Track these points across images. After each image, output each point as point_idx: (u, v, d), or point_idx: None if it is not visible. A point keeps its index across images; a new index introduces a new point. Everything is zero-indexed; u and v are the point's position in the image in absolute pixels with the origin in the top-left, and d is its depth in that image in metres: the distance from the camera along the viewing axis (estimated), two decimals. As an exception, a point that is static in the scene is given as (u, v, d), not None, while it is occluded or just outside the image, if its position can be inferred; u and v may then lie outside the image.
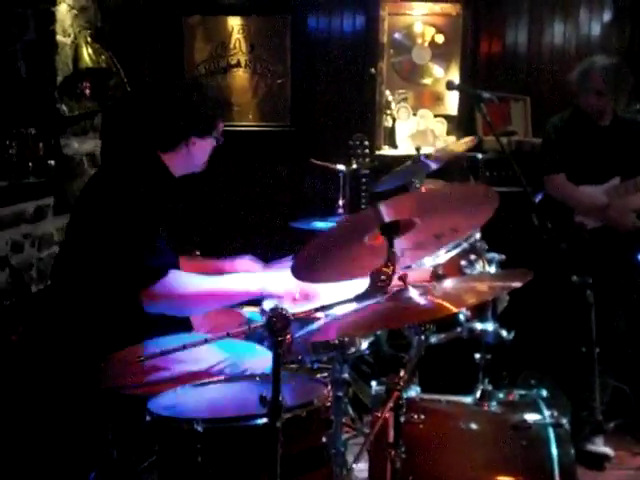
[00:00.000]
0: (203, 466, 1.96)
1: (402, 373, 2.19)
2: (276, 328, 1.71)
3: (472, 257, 2.69)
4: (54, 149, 3.99)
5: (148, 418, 2.07)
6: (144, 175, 2.66)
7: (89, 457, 2.93)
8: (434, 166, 3.55)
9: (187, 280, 2.55)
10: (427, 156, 3.50)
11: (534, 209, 3.77)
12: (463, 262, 2.68)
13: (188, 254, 3.12)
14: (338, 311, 2.11)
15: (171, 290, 2.48)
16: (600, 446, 3.71)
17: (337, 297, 1.92)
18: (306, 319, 2.26)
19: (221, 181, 4.80)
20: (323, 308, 2.07)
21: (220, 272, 2.85)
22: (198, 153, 2.76)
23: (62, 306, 2.70)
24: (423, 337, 2.35)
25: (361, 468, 2.28)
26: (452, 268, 2.66)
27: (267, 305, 2.61)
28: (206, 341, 1.86)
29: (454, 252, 2.70)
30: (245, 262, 3.06)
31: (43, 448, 2.95)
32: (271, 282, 2.55)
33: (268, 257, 3.11)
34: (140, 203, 2.55)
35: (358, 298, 1.95)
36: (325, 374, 2.83)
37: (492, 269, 2.68)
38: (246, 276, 2.71)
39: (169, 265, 2.52)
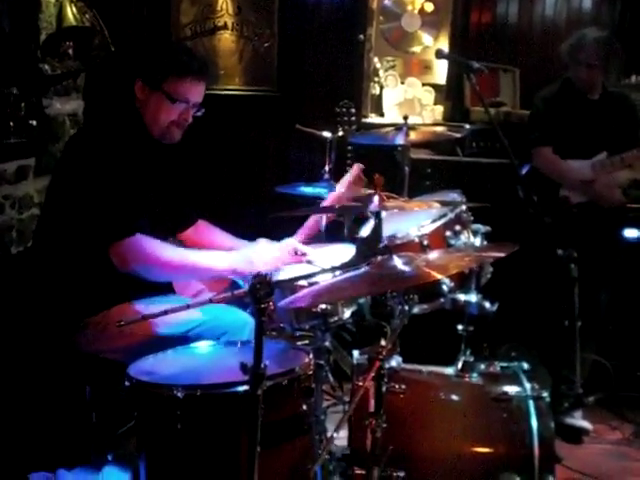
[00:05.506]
0: (183, 433, 1.95)
1: (384, 343, 2.18)
2: (259, 295, 1.68)
3: (457, 228, 2.67)
4: (36, 109, 3.90)
5: (127, 383, 2.05)
6: (120, 131, 2.66)
7: (68, 421, 2.92)
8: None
9: (156, 246, 2.53)
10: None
11: (520, 181, 3.76)
12: (448, 233, 2.66)
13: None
14: (322, 278, 2.10)
15: (138, 251, 2.48)
16: (578, 420, 3.73)
17: (324, 264, 1.90)
18: (289, 286, 2.26)
19: (204, 146, 4.74)
20: (308, 276, 2.06)
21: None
22: (167, 105, 2.69)
23: (42, 268, 2.68)
24: (407, 307, 2.33)
25: (340, 436, 2.27)
26: (437, 239, 2.64)
27: None
28: (188, 307, 1.84)
29: (439, 223, 2.68)
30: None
31: (21, 411, 2.93)
32: (244, 263, 2.53)
33: (254, 223, 3.07)
34: (115, 158, 2.55)
35: (344, 266, 1.93)
36: (306, 341, 2.81)
37: (477, 240, 2.66)
38: (220, 254, 2.65)
39: (141, 230, 2.50)
